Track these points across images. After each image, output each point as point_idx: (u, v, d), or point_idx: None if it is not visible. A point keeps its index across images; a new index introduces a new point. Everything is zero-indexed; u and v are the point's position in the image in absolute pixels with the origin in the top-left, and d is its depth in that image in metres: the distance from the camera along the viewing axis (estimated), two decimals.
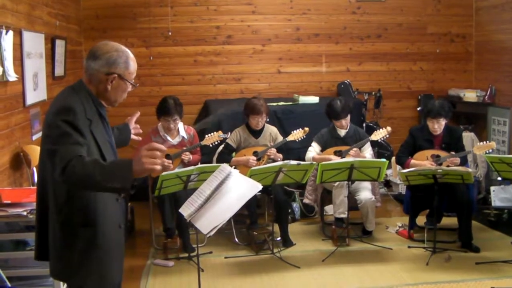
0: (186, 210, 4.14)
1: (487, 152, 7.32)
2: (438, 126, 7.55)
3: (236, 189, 4.11)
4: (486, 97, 10.16)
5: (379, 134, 7.85)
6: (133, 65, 3.70)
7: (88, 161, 3.24)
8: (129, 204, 7.93)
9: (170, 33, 10.02)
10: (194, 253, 7.08)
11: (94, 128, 3.52)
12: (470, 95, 10.37)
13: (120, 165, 3.25)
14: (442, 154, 7.50)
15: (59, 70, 8.20)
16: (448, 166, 7.31)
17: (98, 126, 3.59)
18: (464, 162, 7.65)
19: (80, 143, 3.36)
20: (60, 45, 8.20)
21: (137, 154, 3.22)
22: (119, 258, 3.78)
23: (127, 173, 3.20)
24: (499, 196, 8.27)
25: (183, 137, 7.65)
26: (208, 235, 3.98)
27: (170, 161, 7.32)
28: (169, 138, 7.60)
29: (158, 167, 3.21)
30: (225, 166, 4.31)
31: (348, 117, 7.92)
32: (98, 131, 3.56)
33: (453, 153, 7.45)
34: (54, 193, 3.51)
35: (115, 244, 3.69)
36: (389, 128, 7.85)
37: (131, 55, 3.70)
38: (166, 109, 7.46)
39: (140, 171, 3.19)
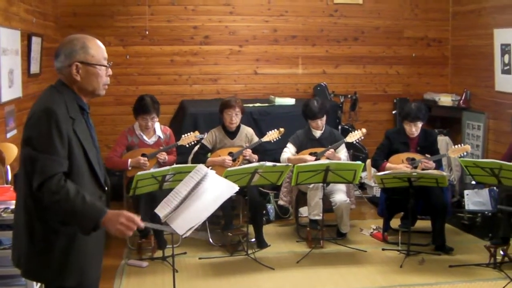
0: (162, 210, 4.12)
1: (462, 155, 7.38)
2: (415, 129, 7.59)
3: (213, 190, 4.10)
4: (461, 101, 10.23)
5: (354, 136, 7.88)
6: (93, 47, 3.64)
7: (69, 192, 3.37)
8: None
9: (147, 32, 9.98)
10: (168, 254, 7.06)
11: (77, 127, 3.53)
12: (445, 99, 10.43)
13: (93, 217, 3.42)
14: (418, 157, 7.54)
15: (34, 68, 8.14)
16: (423, 169, 7.36)
17: (81, 123, 3.59)
18: (438, 166, 7.71)
19: (61, 154, 3.41)
20: (36, 42, 8.14)
21: (117, 215, 3.44)
22: (98, 256, 3.77)
23: (90, 224, 3.42)
24: (473, 200, 8.31)
25: (159, 136, 7.63)
26: (184, 236, 3.97)
27: (146, 159, 7.32)
28: (145, 137, 7.58)
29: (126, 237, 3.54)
30: (201, 167, 4.30)
31: (324, 118, 7.94)
32: (81, 130, 3.56)
33: (428, 156, 7.49)
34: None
35: (95, 243, 3.67)
36: (364, 130, 7.89)
37: (89, 39, 3.67)
38: (144, 107, 7.44)
39: (109, 230, 3.46)
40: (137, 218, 3.48)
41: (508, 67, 8.98)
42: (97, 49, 3.66)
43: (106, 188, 3.77)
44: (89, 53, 3.60)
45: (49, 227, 3.49)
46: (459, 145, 7.54)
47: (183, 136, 7.62)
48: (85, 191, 3.46)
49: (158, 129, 7.67)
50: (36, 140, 3.39)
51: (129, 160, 7.35)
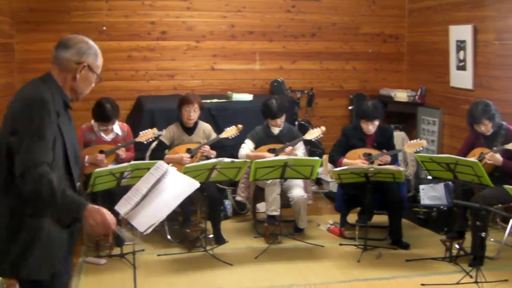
0: (122, 207, 4.11)
1: (418, 150, 7.49)
2: (372, 127, 7.67)
3: (173, 186, 4.10)
4: (417, 97, 10.35)
5: (313, 134, 7.92)
6: (100, 59, 3.83)
7: (53, 181, 3.36)
8: None
9: (104, 28, 9.89)
10: (126, 251, 7.04)
11: (61, 122, 3.58)
12: (401, 95, 10.54)
13: (74, 210, 3.46)
14: (374, 152, 7.61)
15: None
16: (379, 164, 7.44)
17: (64, 119, 3.64)
18: (394, 161, 7.79)
19: (48, 144, 3.44)
20: None
21: (99, 212, 3.50)
22: (63, 251, 3.75)
23: (76, 215, 3.48)
24: (428, 195, 8.39)
25: (117, 133, 7.61)
26: (145, 233, 3.97)
27: (104, 155, 7.28)
28: (102, 134, 7.55)
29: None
30: (161, 164, 4.30)
31: (283, 116, 7.99)
32: (64, 125, 3.61)
33: (384, 151, 7.57)
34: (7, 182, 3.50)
35: (58, 238, 3.67)
36: (323, 128, 7.93)
37: (99, 50, 3.82)
38: (105, 116, 7.43)
39: (89, 227, 3.50)
40: (112, 222, 3.56)
41: (463, 63, 9.10)
42: (102, 62, 3.85)
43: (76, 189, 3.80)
44: (97, 62, 3.77)
45: (17, 219, 3.52)
46: (415, 140, 7.63)
47: (141, 132, 7.60)
48: None
49: (116, 126, 7.64)
50: (26, 126, 3.41)
51: (86, 157, 7.31)
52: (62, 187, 3.41)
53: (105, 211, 3.53)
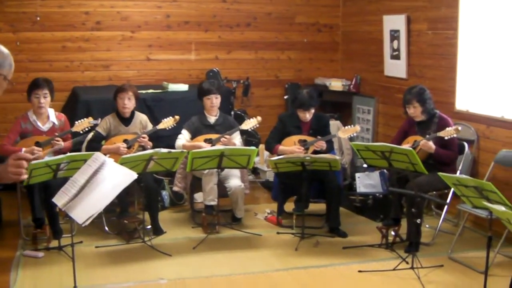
0: (60, 199, 4.11)
1: (352, 135, 7.62)
2: (309, 115, 7.75)
3: (111, 177, 4.11)
4: (352, 86, 10.47)
5: (249, 124, 7.95)
6: (13, 67, 3.75)
7: None
8: None
9: (38, 18, 9.74)
10: (64, 244, 6.97)
11: None
12: (336, 84, 10.65)
13: None
14: (309, 139, 7.68)
15: None
16: (315, 150, 7.51)
17: None
18: (330, 149, 7.86)
19: None
20: None
21: (5, 167, 3.38)
22: None
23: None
24: (364, 183, 8.51)
25: (53, 123, 7.53)
26: (83, 225, 3.96)
27: (40, 149, 7.19)
28: (39, 123, 7.47)
29: (24, 177, 3.37)
30: (99, 155, 4.30)
31: (219, 97, 8.05)
32: None
33: (319, 137, 7.64)
34: None
35: None
36: (259, 118, 7.97)
37: (12, 58, 3.73)
38: (37, 83, 7.46)
39: (5, 179, 3.37)
40: (23, 154, 3.47)
41: (397, 52, 9.24)
42: (13, 68, 3.76)
43: None
44: (11, 70, 3.68)
45: None
46: (349, 126, 7.72)
47: (76, 122, 7.52)
48: None
49: (53, 116, 7.57)
50: None
51: (23, 149, 7.20)
52: None
53: (9, 160, 3.44)
